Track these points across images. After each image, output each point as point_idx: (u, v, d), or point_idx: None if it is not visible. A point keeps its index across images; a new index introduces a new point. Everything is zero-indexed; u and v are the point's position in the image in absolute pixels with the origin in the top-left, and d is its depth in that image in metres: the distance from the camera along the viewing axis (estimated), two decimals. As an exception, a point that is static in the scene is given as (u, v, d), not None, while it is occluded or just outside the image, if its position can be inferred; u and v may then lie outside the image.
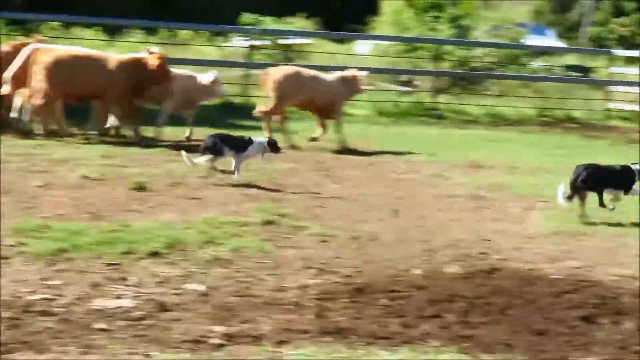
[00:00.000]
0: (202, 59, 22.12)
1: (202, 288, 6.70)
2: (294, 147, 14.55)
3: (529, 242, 8.82)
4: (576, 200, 9.86)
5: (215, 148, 10.88)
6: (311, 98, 14.97)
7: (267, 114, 14.88)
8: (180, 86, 14.71)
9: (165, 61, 14.37)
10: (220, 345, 5.57)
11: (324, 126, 15.20)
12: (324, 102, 15.00)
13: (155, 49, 14.88)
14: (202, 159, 10.97)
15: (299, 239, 8.48)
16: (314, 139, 15.10)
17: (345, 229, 8.96)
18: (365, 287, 6.93)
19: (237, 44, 26.12)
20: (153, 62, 14.08)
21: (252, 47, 24.13)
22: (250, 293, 6.66)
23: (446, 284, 7.10)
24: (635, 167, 10.05)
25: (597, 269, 7.88)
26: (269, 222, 8.95)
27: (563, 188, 9.88)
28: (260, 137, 11.86)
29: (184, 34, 27.60)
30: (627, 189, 10.04)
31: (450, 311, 6.43)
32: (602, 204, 9.84)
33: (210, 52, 26.02)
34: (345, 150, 14.71)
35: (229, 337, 5.68)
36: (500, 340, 5.90)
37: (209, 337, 5.67)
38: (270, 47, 25.03)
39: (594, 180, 9.87)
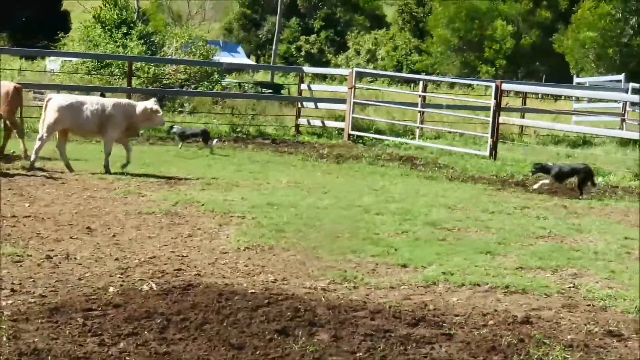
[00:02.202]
0: None
1: None
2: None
3: (224, 257, 9.03)
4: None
5: None
6: None
7: None
8: (123, 114, 14.44)
9: None
10: None
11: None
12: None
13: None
14: None
15: (-11, 260, 8.24)
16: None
17: (38, 249, 8.80)
18: (60, 306, 6.85)
19: None
20: None
21: None
22: (-62, 318, 6.41)
23: (142, 301, 7.14)
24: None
25: (291, 281, 8.21)
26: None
27: None
28: None
29: None
30: None
31: (147, 328, 6.49)
32: None
33: None
34: (36, 168, 14.41)
35: None
36: (198, 355, 6.02)
37: None
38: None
39: None
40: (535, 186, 15.26)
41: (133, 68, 23.66)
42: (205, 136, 18.99)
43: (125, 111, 14.62)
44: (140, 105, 14.78)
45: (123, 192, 12.57)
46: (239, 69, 39.62)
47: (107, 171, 14.44)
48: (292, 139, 23.10)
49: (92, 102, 14.64)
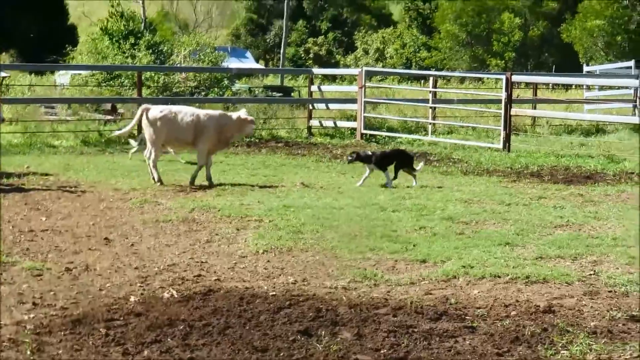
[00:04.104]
0: None
1: None
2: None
3: (243, 261, 9.04)
4: None
5: None
6: None
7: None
8: (216, 125, 14.39)
9: None
10: None
11: None
12: None
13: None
14: None
15: (11, 274, 8.27)
16: None
17: (57, 262, 8.84)
18: (82, 317, 6.87)
19: None
20: None
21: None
22: (-38, 335, 6.44)
23: (164, 309, 7.16)
24: None
25: (312, 282, 8.22)
26: (-25, 260, 8.68)
27: None
28: None
29: None
30: None
31: (170, 335, 6.51)
32: None
33: None
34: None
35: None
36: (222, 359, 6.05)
37: None
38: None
39: None
40: (359, 183, 14.60)
41: (142, 78, 23.68)
42: None
43: (219, 122, 14.48)
44: (234, 116, 14.70)
45: (139, 202, 12.59)
46: (248, 73, 39.67)
47: (211, 183, 14.25)
48: (305, 141, 23.09)
49: (187, 112, 14.49)
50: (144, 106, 14.57)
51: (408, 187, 14.17)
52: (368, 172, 14.55)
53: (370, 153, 14.93)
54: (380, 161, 14.56)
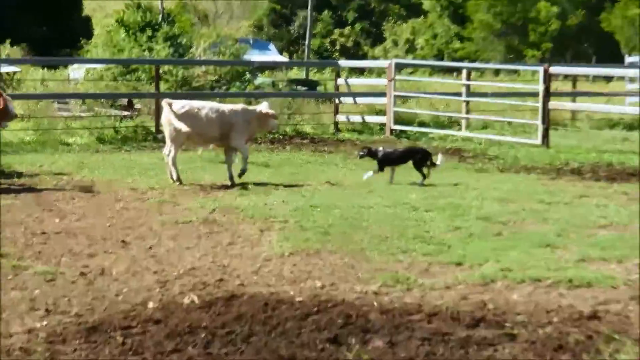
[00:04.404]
0: None
1: None
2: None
3: (267, 265, 8.98)
4: None
5: None
6: None
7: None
8: (243, 119, 14.47)
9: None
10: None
11: None
12: None
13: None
14: None
15: (23, 279, 8.25)
16: None
17: (71, 266, 8.81)
18: (98, 325, 6.83)
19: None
20: None
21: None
22: (-29, 343, 6.41)
23: (184, 316, 7.10)
24: None
25: (340, 287, 8.14)
26: (-14, 264, 8.67)
27: None
28: None
29: None
30: None
31: (191, 344, 6.45)
32: None
33: None
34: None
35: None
36: (246, 369, 5.99)
37: None
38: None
39: None
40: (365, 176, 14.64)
41: (160, 72, 23.71)
42: None
43: (244, 116, 14.52)
44: (257, 110, 14.71)
45: (157, 202, 12.57)
46: (271, 66, 39.68)
47: (233, 183, 14.24)
48: (332, 137, 23.06)
49: (211, 108, 14.49)
50: (166, 100, 14.52)
51: (431, 185, 14.05)
52: (393, 171, 14.54)
53: (381, 149, 14.91)
54: (394, 159, 14.62)
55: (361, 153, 14.99)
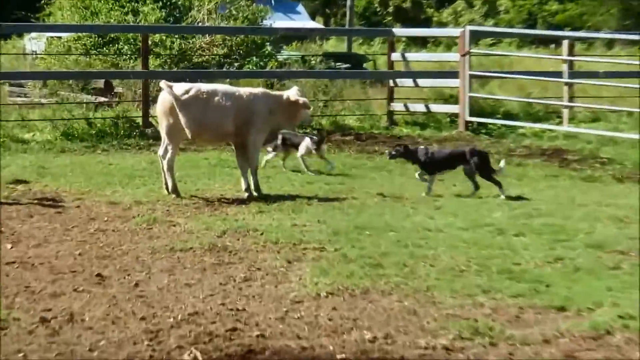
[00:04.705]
0: None
1: None
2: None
3: (297, 309, 8.97)
4: None
5: None
6: None
7: None
8: (267, 108, 14.67)
9: None
10: None
11: None
12: None
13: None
14: None
15: (-40, 328, 8.31)
16: None
17: (29, 309, 8.84)
18: (65, 390, 6.86)
19: None
20: None
21: None
22: None
23: (184, 379, 7.13)
24: None
25: (398, 339, 8.12)
26: None
27: None
28: None
29: None
30: None
31: (193, 416, 6.46)
32: None
33: None
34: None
35: None
36: None
37: None
38: None
39: None
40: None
41: (150, 43, 23.77)
42: None
43: (267, 104, 14.63)
44: (284, 96, 14.79)
45: (146, 221, 12.61)
46: (300, 36, 39.76)
47: (250, 194, 14.37)
48: (385, 132, 23.10)
49: (225, 93, 14.52)
50: (165, 82, 14.46)
51: (523, 199, 14.03)
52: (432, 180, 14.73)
53: (422, 147, 15.12)
54: (440, 161, 14.79)
55: (393, 152, 15.19)
